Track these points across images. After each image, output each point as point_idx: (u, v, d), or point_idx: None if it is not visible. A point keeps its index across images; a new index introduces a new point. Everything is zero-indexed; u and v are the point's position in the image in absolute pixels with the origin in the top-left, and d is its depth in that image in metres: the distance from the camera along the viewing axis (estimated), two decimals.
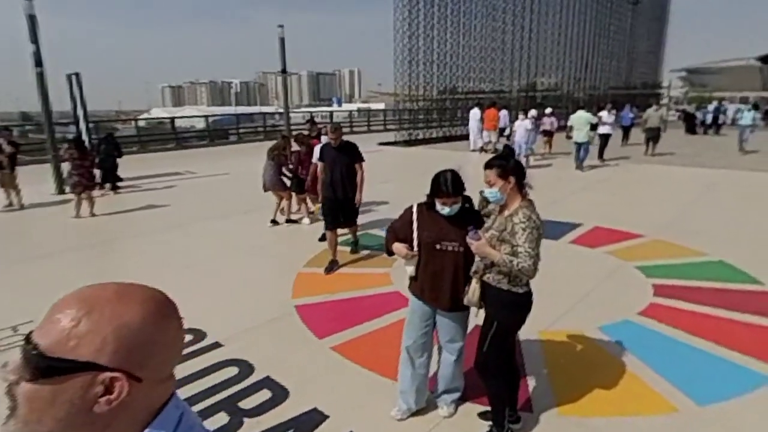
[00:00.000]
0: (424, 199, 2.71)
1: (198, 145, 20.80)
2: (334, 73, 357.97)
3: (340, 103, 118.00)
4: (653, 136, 13.72)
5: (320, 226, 7.21)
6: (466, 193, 2.64)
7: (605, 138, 13.19)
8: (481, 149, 16.14)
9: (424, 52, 19.71)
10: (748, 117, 13.87)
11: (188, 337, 3.88)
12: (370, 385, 3.22)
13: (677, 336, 3.65)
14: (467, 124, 23.74)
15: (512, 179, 2.37)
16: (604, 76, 33.50)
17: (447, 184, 2.49)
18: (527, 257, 2.26)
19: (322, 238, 6.23)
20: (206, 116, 23.22)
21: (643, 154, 13.46)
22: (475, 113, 16.84)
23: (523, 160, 13.24)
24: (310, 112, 32.20)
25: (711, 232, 6.52)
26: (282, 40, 14.38)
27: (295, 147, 7.52)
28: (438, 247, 2.56)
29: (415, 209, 2.72)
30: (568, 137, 12.91)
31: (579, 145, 12.46)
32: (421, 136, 20.62)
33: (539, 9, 25.44)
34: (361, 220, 7.46)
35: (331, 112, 29.26)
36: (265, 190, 7.29)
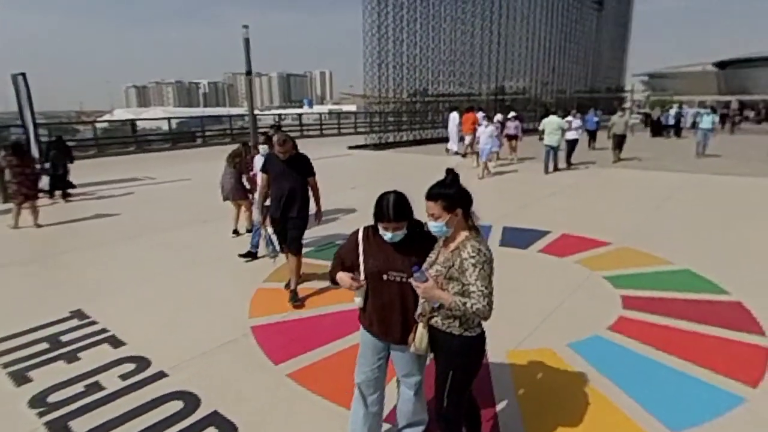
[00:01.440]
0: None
1: (160, 148, 20.06)
2: (305, 74, 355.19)
3: (311, 105, 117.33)
4: (620, 142, 13.82)
5: None
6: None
7: (573, 143, 13.35)
8: (464, 155, 16.01)
9: (393, 54, 19.58)
10: (707, 121, 14.26)
11: (130, 367, 3.55)
12: (330, 418, 2.97)
13: (647, 353, 3.54)
14: (438, 127, 23.93)
15: (459, 211, 2.09)
16: (571, 80, 34.23)
17: (388, 207, 2.21)
18: (481, 297, 1.97)
19: (247, 255, 5.79)
20: (168, 118, 22.37)
21: (612, 163, 13.56)
22: (454, 117, 16.74)
23: (490, 165, 13.25)
24: (279, 115, 31.76)
25: (676, 238, 6.54)
26: (246, 41, 13.92)
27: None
28: (384, 277, 2.27)
29: (360, 233, 2.42)
30: (541, 139, 13.13)
31: (550, 148, 12.71)
32: (391, 139, 20.49)
33: (507, 13, 25.73)
34: (326, 230, 7.23)
35: (300, 115, 28.77)
36: (224, 199, 6.93)
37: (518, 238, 6.58)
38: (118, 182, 11.73)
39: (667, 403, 2.97)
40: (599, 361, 3.45)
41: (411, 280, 2.05)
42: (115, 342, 3.94)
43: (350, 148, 19.49)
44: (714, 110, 20.33)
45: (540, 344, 3.76)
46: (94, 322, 4.30)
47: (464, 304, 1.98)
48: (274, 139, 4.64)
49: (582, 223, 7.44)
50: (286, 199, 4.52)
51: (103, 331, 4.14)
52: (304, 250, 6.10)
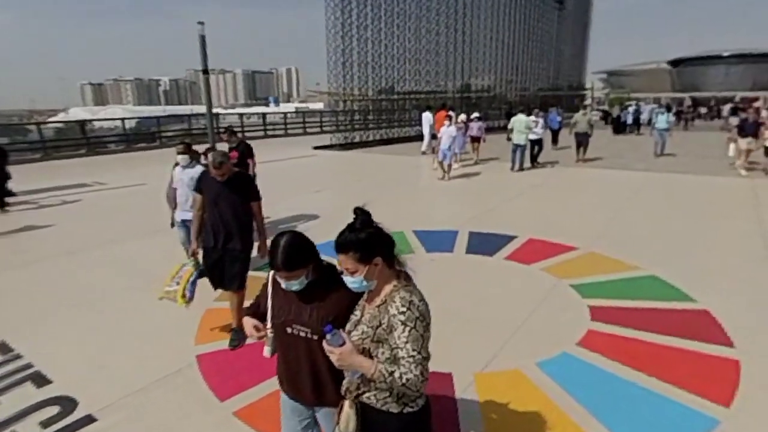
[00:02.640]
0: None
1: (115, 150, 19.06)
2: (271, 71, 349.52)
3: (277, 103, 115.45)
4: (582, 141, 13.76)
5: None
6: None
7: (537, 142, 13.40)
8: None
9: (358, 52, 19.24)
10: (662, 120, 14.53)
11: (53, 411, 3.14)
12: None
13: (617, 371, 3.39)
14: (405, 126, 23.77)
15: (379, 259, 1.69)
16: (534, 78, 34.75)
17: (277, 253, 1.82)
18: (412, 365, 1.56)
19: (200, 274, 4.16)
20: (123, 118, 21.31)
21: (574, 162, 13.61)
22: (427, 117, 16.49)
23: (455, 166, 13.13)
24: (241, 114, 30.79)
25: (640, 241, 6.52)
26: (202, 38, 13.31)
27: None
28: (289, 330, 1.92)
29: (270, 276, 2.03)
30: (508, 139, 13.17)
31: (518, 147, 12.81)
32: (357, 139, 20.15)
33: (471, 12, 25.80)
34: None
35: (264, 114, 28.01)
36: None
37: (485, 244, 6.41)
38: (65, 189, 10.97)
39: (640, 427, 2.81)
40: (569, 382, 3.27)
41: (324, 344, 1.64)
42: (40, 380, 3.50)
43: (315, 148, 19.04)
44: (669, 108, 20.97)
45: (508, 364, 3.56)
46: (18, 356, 3.84)
47: (391, 373, 1.57)
48: (209, 158, 3.83)
49: (548, 225, 7.35)
50: (224, 227, 3.82)
51: (28, 366, 3.69)
52: (257, 264, 5.77)
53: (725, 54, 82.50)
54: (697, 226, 7.23)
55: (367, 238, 1.70)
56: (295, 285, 1.87)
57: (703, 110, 45.95)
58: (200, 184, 4.01)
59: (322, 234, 6.95)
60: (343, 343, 1.62)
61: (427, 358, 1.65)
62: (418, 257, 5.97)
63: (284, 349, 1.99)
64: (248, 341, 3.99)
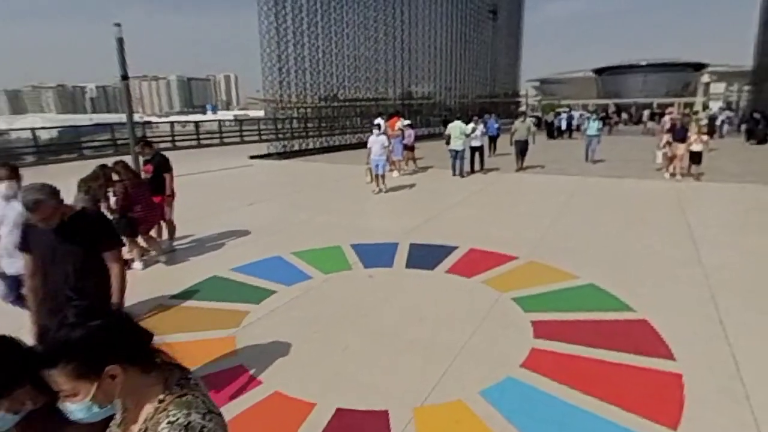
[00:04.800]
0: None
1: (23, 164, 17.26)
2: (208, 78, 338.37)
3: (215, 111, 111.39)
4: (523, 148, 13.72)
5: (159, 271, 5.88)
6: None
7: (479, 150, 13.48)
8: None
9: (294, 58, 18.69)
10: (593, 127, 15.10)
11: None
12: None
13: (564, 395, 3.17)
14: (348, 133, 23.39)
15: (116, 369, 1.09)
16: (472, 86, 35.61)
17: None
18: None
19: None
20: (33, 128, 19.42)
21: (515, 171, 13.66)
22: (380, 123, 16.02)
23: (395, 174, 12.92)
24: (172, 122, 29.15)
25: (578, 248, 6.52)
26: (120, 41, 12.27)
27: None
28: None
29: None
30: (447, 143, 13.16)
31: (456, 153, 12.89)
32: (297, 147, 19.53)
33: (409, 20, 25.99)
34: (211, 260, 6.27)
35: (197, 122, 26.64)
36: None
37: (425, 256, 6.14)
38: None
39: None
40: (515, 412, 3.01)
41: None
42: None
43: (252, 157, 18.23)
44: (597, 114, 22.04)
45: (449, 395, 3.25)
46: None
47: None
48: (36, 204, 2.55)
49: (489, 234, 7.23)
50: (59, 297, 2.57)
51: None
52: (181, 288, 5.18)
53: (643, 63, 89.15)
54: (630, 231, 7.37)
55: (86, 339, 1.07)
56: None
57: (625, 116, 49.32)
58: (26, 240, 2.75)
59: (255, 252, 6.46)
60: None
61: None
62: (357, 274, 5.61)
63: None
64: None
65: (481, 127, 13.63)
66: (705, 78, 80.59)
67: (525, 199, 10.29)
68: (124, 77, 13.32)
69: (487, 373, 3.48)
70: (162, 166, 6.60)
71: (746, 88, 51.56)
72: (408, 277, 5.55)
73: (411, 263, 5.94)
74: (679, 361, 3.54)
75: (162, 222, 6.74)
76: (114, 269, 2.77)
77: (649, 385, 3.28)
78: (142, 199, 5.98)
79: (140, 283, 5.55)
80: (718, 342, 3.84)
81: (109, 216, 5.75)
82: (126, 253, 6.03)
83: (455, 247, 6.46)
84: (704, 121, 24.12)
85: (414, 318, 4.44)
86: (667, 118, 20.09)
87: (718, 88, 76.18)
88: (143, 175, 6.63)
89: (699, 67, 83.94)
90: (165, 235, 6.84)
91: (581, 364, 3.55)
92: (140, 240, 6.14)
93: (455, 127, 12.97)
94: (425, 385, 3.34)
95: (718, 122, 26.17)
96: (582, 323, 4.22)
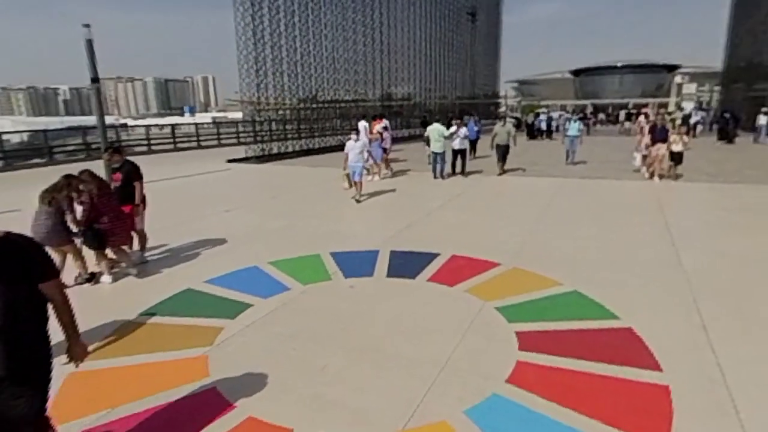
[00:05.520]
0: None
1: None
2: (186, 79, 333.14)
3: (192, 113, 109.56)
4: (504, 152, 13.57)
5: (130, 284, 5.60)
6: None
7: (462, 153, 13.42)
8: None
9: (272, 60, 18.40)
10: (574, 128, 15.21)
11: None
12: None
13: (551, 412, 3.07)
14: (328, 135, 23.12)
15: None
16: (452, 87, 35.72)
17: None
18: None
19: None
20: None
21: (497, 175, 13.52)
22: (364, 126, 15.77)
23: (375, 178, 12.78)
24: (147, 125, 28.51)
25: (560, 252, 6.47)
26: (89, 43, 11.86)
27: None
28: None
29: None
30: (428, 144, 13.00)
31: (436, 155, 12.91)
32: (275, 151, 19.22)
33: (388, 22, 25.91)
34: (186, 269, 6.03)
35: (173, 125, 26.04)
36: None
37: (406, 264, 6.00)
38: None
39: None
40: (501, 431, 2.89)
41: None
42: None
43: (230, 161, 17.88)
44: (577, 114, 22.31)
45: (434, 415, 3.11)
46: None
47: None
48: None
49: (470, 239, 7.13)
50: None
51: None
52: (151, 303, 4.93)
53: (619, 65, 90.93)
54: (611, 234, 7.36)
55: None
56: None
57: (602, 116, 50.29)
58: None
59: (231, 262, 6.22)
60: None
61: None
62: (336, 284, 5.44)
63: None
64: (113, 414, 3.20)
65: (464, 130, 13.58)
66: (677, 79, 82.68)
67: (506, 203, 10.25)
68: (95, 80, 12.90)
69: (472, 389, 3.36)
70: (132, 175, 6.31)
71: (716, 88, 53.06)
72: (389, 286, 5.40)
73: (392, 272, 5.79)
74: (666, 372, 3.48)
75: (132, 232, 6.45)
76: (57, 301, 2.31)
77: (638, 399, 3.19)
78: (109, 209, 5.69)
79: (108, 298, 5.31)
80: (704, 351, 3.79)
81: (74, 229, 5.48)
82: (94, 265, 5.77)
83: (437, 254, 6.34)
84: (679, 121, 24.65)
85: (396, 331, 4.29)
86: (642, 118, 20.45)
87: (690, 88, 78.24)
88: (113, 185, 6.33)
89: (672, 68, 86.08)
90: (136, 245, 6.55)
91: (568, 378, 3.45)
92: (109, 252, 5.85)
93: (434, 130, 12.97)
94: (408, 406, 3.19)
95: (692, 122, 26.75)
96: (567, 333, 4.13)
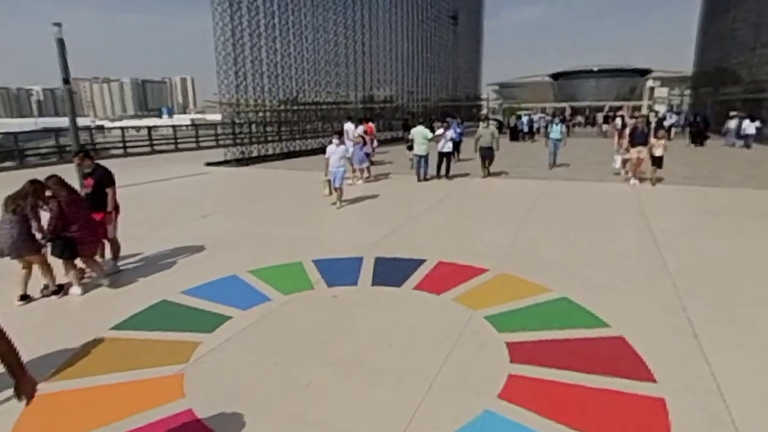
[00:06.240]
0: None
1: None
2: (164, 80, 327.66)
3: (170, 114, 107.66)
4: (487, 155, 13.41)
5: (101, 296, 5.29)
6: None
7: (447, 156, 13.32)
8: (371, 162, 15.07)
9: (252, 60, 18.07)
10: (556, 131, 15.25)
11: None
12: None
13: (546, 431, 2.93)
14: (309, 138, 22.82)
15: None
16: (434, 89, 35.78)
17: None
18: None
19: None
20: None
21: (481, 177, 13.43)
22: (349, 127, 15.49)
23: (358, 183, 12.61)
24: (122, 127, 27.76)
25: (547, 256, 6.40)
26: (60, 42, 11.47)
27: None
28: None
29: None
30: (409, 148, 12.91)
31: (420, 157, 12.86)
32: (255, 153, 18.86)
33: (370, 24, 25.79)
34: (161, 278, 5.76)
35: (149, 127, 25.40)
36: (2, 255, 5.07)
37: (392, 271, 5.85)
38: None
39: None
40: None
41: None
42: None
43: (208, 164, 17.48)
44: (559, 117, 22.54)
45: None
46: None
47: None
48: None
49: (457, 244, 7.02)
50: None
51: None
52: (124, 317, 4.65)
53: (595, 69, 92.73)
54: (596, 237, 7.34)
55: None
56: None
57: (580, 119, 51.24)
58: None
59: (208, 271, 5.96)
60: None
61: None
62: (319, 294, 5.25)
63: None
64: None
65: (450, 132, 13.50)
66: (650, 83, 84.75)
67: (492, 206, 10.19)
68: (66, 80, 12.46)
69: (464, 406, 3.21)
70: (104, 180, 6.01)
71: (687, 92, 54.52)
72: (374, 295, 5.23)
73: (377, 280, 5.63)
74: (661, 384, 3.39)
75: (105, 240, 6.15)
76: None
77: (634, 413, 3.09)
78: (78, 217, 5.39)
79: (77, 311, 5.01)
80: (696, 359, 3.73)
81: (39, 238, 5.18)
82: (63, 276, 5.45)
83: (423, 260, 6.20)
84: (654, 124, 25.12)
85: (382, 343, 4.12)
86: (618, 121, 20.71)
87: (662, 92, 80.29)
88: (84, 191, 6.02)
89: (644, 72, 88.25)
90: (108, 254, 6.25)
91: (562, 392, 3.33)
92: (78, 261, 5.54)
93: (418, 133, 12.88)
94: (397, 426, 3.03)
95: (666, 124, 27.31)
96: (558, 343, 4.02)
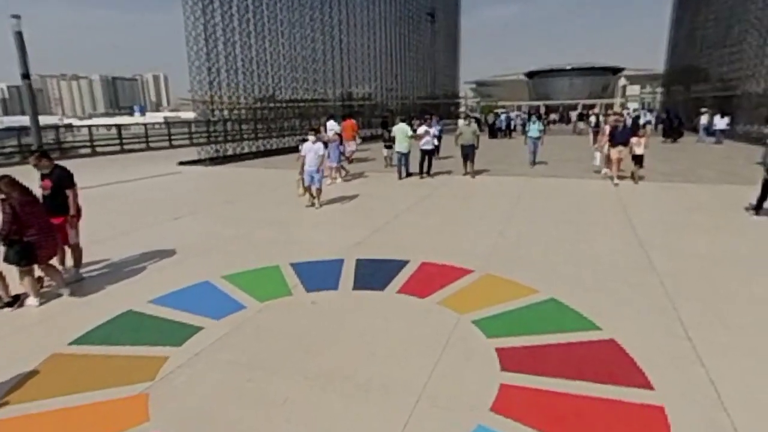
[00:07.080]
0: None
1: None
2: (135, 78, 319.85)
3: (143, 112, 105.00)
4: (469, 153, 13.11)
5: (61, 307, 4.88)
6: None
7: (429, 153, 13.13)
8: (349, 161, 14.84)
9: (225, 56, 17.55)
10: (534, 129, 15.20)
11: None
12: None
13: None
14: (287, 136, 22.37)
15: None
16: (413, 87, 35.67)
17: None
18: None
19: None
20: None
21: (462, 175, 13.24)
22: (333, 126, 15.08)
23: (337, 181, 12.33)
24: (90, 125, 26.71)
25: (532, 255, 6.26)
26: (19, 35, 10.89)
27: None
28: None
29: None
30: (389, 147, 12.71)
31: (402, 155, 12.75)
32: (230, 152, 18.36)
33: (347, 21, 25.48)
34: (128, 286, 5.39)
35: (119, 125, 24.53)
36: None
37: (374, 274, 5.61)
38: None
39: None
40: None
41: None
42: None
43: (181, 163, 16.91)
44: (537, 115, 22.61)
45: None
46: None
47: None
48: None
49: (440, 244, 6.83)
50: None
51: None
52: (85, 330, 4.27)
53: (568, 67, 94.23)
54: (579, 235, 7.24)
55: None
56: None
57: (554, 116, 52.09)
58: None
59: (179, 277, 5.60)
60: None
61: None
62: (297, 300, 4.96)
63: None
64: None
65: (433, 129, 13.31)
66: (622, 81, 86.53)
67: (474, 204, 10.04)
68: (26, 75, 11.84)
69: (455, 421, 3.00)
70: (63, 181, 5.59)
71: (659, 90, 55.77)
72: (356, 300, 4.98)
73: (358, 283, 5.38)
74: (658, 390, 3.24)
75: (66, 247, 5.73)
76: None
77: (633, 423, 2.93)
78: (35, 220, 4.98)
79: (33, 325, 4.62)
80: (692, 364, 3.59)
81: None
82: (18, 285, 5.03)
83: (406, 261, 5.98)
84: (629, 121, 25.50)
85: (365, 353, 3.88)
86: (593, 119, 20.86)
87: (633, 90, 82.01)
88: (41, 192, 5.58)
89: (616, 71, 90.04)
90: (69, 261, 5.83)
91: (557, 402, 3.15)
92: (36, 269, 5.13)
93: (399, 130, 12.71)
94: None
95: (641, 122, 27.77)
96: (549, 348, 3.85)
